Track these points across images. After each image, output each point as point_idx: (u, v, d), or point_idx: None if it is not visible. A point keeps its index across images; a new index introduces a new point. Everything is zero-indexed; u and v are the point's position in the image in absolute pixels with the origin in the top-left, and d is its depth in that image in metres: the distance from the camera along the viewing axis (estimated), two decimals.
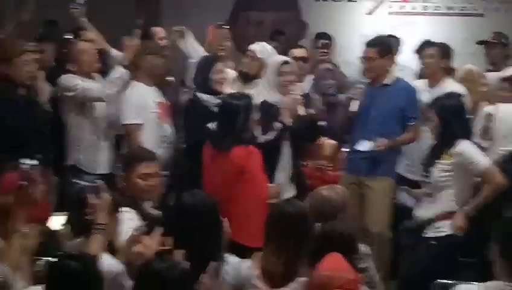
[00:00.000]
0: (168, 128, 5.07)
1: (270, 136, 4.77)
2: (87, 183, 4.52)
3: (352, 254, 3.26)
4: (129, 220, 3.52)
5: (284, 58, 5.19)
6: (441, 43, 5.56)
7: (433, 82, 5.28)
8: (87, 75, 4.95)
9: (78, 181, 4.80)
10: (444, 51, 5.41)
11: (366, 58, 5.02)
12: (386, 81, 5.00)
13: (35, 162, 3.47)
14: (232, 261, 3.37)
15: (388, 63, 5.01)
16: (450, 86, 5.15)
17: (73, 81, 4.83)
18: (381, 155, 4.86)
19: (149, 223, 3.52)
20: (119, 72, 4.86)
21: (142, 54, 5.01)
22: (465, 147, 4.24)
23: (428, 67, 5.36)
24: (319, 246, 3.19)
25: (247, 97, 4.64)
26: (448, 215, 4.27)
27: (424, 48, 5.61)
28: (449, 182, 4.30)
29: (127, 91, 4.94)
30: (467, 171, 4.27)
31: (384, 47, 5.01)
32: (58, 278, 2.71)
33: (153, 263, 2.89)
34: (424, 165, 4.44)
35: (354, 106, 4.99)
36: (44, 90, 4.95)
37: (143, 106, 4.95)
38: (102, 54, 5.35)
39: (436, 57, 5.31)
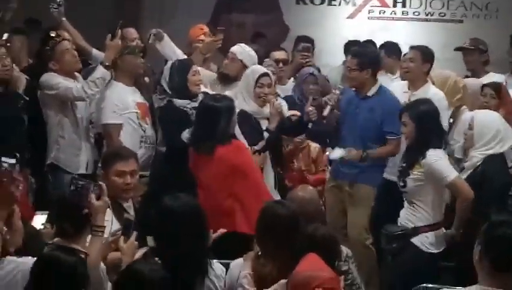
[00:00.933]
0: (148, 129, 5.06)
1: (259, 146, 4.78)
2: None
3: (334, 256, 3.29)
4: (107, 222, 3.46)
5: (264, 69, 5.15)
6: (423, 46, 5.51)
7: (414, 87, 5.25)
8: (69, 74, 4.93)
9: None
10: (425, 54, 5.35)
11: (347, 68, 5.02)
12: (369, 92, 4.99)
13: (13, 160, 3.44)
14: (217, 267, 3.37)
15: (367, 76, 4.93)
16: (431, 90, 5.16)
17: (55, 80, 4.82)
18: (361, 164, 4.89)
19: (126, 226, 3.52)
20: (100, 72, 4.84)
21: (121, 54, 5.00)
22: (434, 157, 4.22)
23: (410, 71, 5.32)
24: (301, 248, 3.20)
25: (229, 99, 4.63)
26: (431, 227, 4.30)
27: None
28: (424, 192, 4.30)
29: (107, 91, 4.92)
30: (437, 181, 4.27)
31: (365, 60, 4.93)
32: (46, 270, 2.71)
33: (133, 267, 2.89)
34: (399, 174, 4.46)
35: (326, 111, 5.06)
36: (21, 80, 4.91)
37: (122, 106, 4.94)
38: (83, 54, 5.33)
39: (417, 61, 5.28)
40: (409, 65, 5.30)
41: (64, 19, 5.46)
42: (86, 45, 5.52)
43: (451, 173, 4.22)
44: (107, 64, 4.86)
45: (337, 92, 5.13)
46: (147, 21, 7.46)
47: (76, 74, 5.04)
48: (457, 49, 6.50)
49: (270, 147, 4.87)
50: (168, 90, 4.99)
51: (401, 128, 4.46)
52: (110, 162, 3.91)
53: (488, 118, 4.53)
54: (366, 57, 4.98)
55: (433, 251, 4.27)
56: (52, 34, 4.98)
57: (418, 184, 4.29)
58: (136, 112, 4.99)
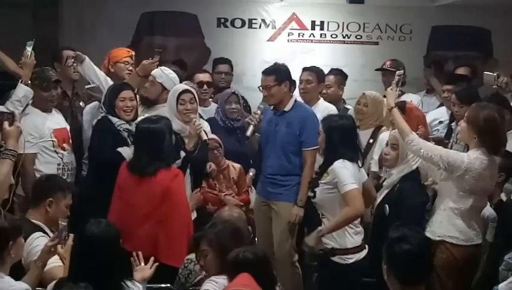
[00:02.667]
0: (66, 156, 5.02)
1: (177, 164, 4.78)
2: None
3: (268, 276, 3.30)
4: (42, 237, 3.73)
5: (184, 86, 5.19)
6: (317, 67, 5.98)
7: (310, 103, 5.62)
8: None
9: None
10: (320, 75, 5.90)
11: (264, 87, 5.10)
12: (285, 108, 5.11)
13: None
14: (139, 286, 3.38)
15: (286, 90, 5.09)
16: (324, 105, 5.72)
17: None
18: (285, 181, 4.96)
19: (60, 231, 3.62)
20: (23, 90, 4.82)
21: (34, 82, 4.97)
22: (340, 164, 4.32)
23: (307, 92, 5.77)
24: (233, 269, 3.22)
25: (165, 118, 4.66)
26: (356, 249, 4.40)
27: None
28: (331, 203, 4.40)
29: (22, 119, 4.82)
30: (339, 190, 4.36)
31: (281, 74, 5.08)
32: None
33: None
34: (311, 187, 4.57)
35: (249, 131, 5.17)
36: None
37: (37, 135, 4.93)
38: (16, 78, 5.22)
39: (314, 82, 5.78)
40: (306, 86, 5.79)
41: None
42: (18, 69, 5.39)
43: (350, 183, 4.28)
44: (27, 82, 4.87)
45: (259, 111, 5.21)
46: (65, 40, 7.36)
47: None
48: (379, 69, 6.74)
49: (187, 166, 4.87)
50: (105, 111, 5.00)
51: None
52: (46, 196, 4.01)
53: None
54: (280, 71, 5.12)
55: (351, 261, 4.37)
56: None
57: (325, 194, 4.39)
58: (52, 141, 4.94)
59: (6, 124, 3.40)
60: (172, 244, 4.34)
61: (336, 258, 4.37)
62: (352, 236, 4.40)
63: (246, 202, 5.40)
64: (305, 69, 5.97)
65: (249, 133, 5.13)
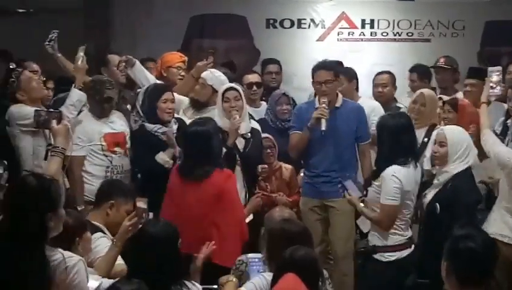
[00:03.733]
0: (116, 158, 5.05)
1: None
2: None
3: (316, 277, 3.29)
4: (103, 238, 3.84)
5: (229, 84, 5.21)
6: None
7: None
8: (36, 102, 4.94)
9: None
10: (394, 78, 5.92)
11: (324, 82, 5.04)
12: (337, 103, 5.10)
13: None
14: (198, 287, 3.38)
15: (339, 86, 5.16)
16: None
17: (26, 110, 4.80)
18: (342, 177, 4.92)
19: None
20: (77, 94, 4.91)
21: (89, 92, 5.04)
22: (389, 174, 4.26)
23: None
24: (282, 269, 3.20)
25: (211, 120, 4.69)
26: (397, 247, 4.34)
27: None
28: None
29: (74, 123, 4.92)
30: None
31: (336, 69, 5.15)
32: (16, 192, 2.82)
33: (116, 285, 2.97)
34: (364, 183, 4.54)
35: (323, 125, 4.96)
36: None
37: (86, 138, 4.98)
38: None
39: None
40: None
41: (59, 55, 5.48)
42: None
43: (391, 199, 4.24)
44: (79, 87, 4.96)
45: (324, 105, 5.06)
46: (117, 46, 7.46)
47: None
48: (432, 67, 6.63)
49: (233, 162, 4.87)
50: (141, 114, 5.02)
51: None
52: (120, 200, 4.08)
53: (458, 134, 4.59)
54: (335, 67, 5.19)
55: (391, 259, 4.30)
56: (12, 66, 5.02)
57: (375, 197, 4.34)
58: (101, 145, 5.00)
59: (54, 122, 3.54)
60: (225, 245, 4.34)
61: (377, 256, 4.32)
62: (395, 234, 4.33)
63: (297, 203, 5.36)
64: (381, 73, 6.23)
65: (323, 127, 5.02)
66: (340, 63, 6.10)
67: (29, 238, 2.71)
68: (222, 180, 4.46)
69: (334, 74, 5.05)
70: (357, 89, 6.09)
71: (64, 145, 3.44)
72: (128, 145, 5.13)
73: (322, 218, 5.12)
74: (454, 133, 4.52)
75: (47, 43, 5.53)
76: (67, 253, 2.80)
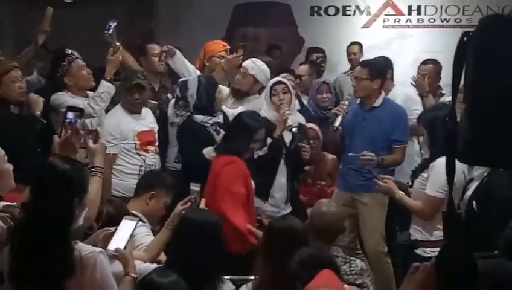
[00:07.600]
0: (148, 158, 5.01)
1: (263, 152, 4.74)
2: None
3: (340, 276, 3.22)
4: (142, 227, 3.79)
5: (278, 78, 5.16)
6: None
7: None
8: (82, 90, 4.91)
9: None
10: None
11: (356, 78, 5.01)
12: (375, 103, 4.99)
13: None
14: (227, 286, 3.34)
15: (377, 86, 4.96)
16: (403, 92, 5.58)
17: (62, 98, 4.78)
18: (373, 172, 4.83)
19: None
20: (105, 86, 4.85)
21: (121, 85, 5.01)
22: (439, 165, 4.03)
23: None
24: (309, 265, 3.14)
25: (266, 119, 4.69)
26: (439, 242, 4.22)
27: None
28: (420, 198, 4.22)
29: (106, 118, 4.92)
30: None
31: (375, 69, 4.95)
32: (45, 177, 2.73)
33: (150, 278, 2.98)
34: (412, 174, 4.42)
35: (337, 122, 4.95)
36: (38, 102, 4.91)
37: (119, 136, 4.94)
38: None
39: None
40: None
41: (118, 43, 5.13)
42: (136, 65, 5.49)
43: (438, 191, 4.05)
44: (108, 78, 4.88)
45: (346, 102, 5.06)
46: (161, 36, 7.47)
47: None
48: None
49: (278, 155, 4.81)
50: (191, 107, 5.00)
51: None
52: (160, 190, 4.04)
53: None
54: (376, 67, 4.98)
55: (432, 254, 4.19)
56: (68, 51, 5.00)
57: (419, 188, 4.23)
58: (135, 143, 4.98)
59: (90, 142, 3.29)
60: (237, 234, 4.23)
61: (418, 251, 4.21)
62: (438, 229, 4.20)
63: (331, 196, 5.27)
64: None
65: (337, 124, 4.96)
66: (388, 60, 5.90)
67: (56, 222, 2.66)
68: (221, 164, 4.39)
69: (368, 73, 4.91)
70: (392, 78, 5.89)
71: (102, 164, 3.30)
72: (157, 143, 5.10)
73: (351, 214, 5.01)
74: None
75: (105, 32, 5.46)
76: (84, 246, 2.75)
